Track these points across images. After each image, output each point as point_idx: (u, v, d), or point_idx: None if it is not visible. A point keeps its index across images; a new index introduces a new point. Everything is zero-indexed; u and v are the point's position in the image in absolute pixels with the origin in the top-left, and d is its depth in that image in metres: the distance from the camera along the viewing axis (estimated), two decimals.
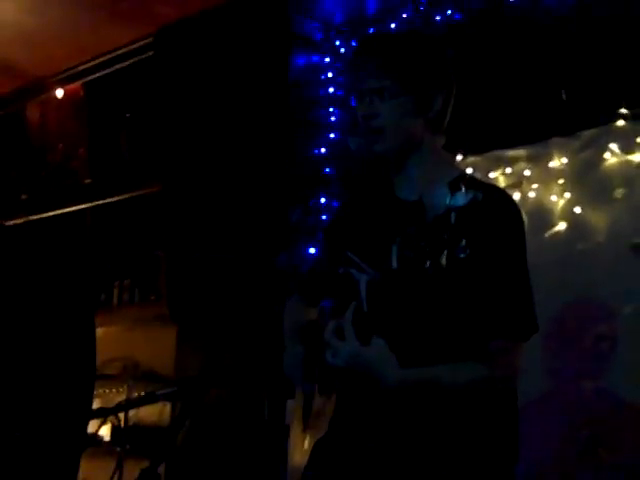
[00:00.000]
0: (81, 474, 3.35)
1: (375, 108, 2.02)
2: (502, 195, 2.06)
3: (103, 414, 2.95)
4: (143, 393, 3.80)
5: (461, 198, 1.97)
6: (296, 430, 2.15)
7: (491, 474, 1.92)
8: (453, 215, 1.95)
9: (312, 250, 4.00)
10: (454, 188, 1.99)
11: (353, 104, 2.09)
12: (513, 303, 1.93)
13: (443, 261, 1.90)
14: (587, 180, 3.66)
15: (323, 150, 4.49)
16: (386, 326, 1.93)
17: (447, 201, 1.97)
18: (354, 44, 4.53)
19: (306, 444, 2.06)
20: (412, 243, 1.96)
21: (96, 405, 4.03)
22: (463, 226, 1.93)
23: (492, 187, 2.10)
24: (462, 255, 1.90)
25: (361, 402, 1.97)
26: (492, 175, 3.90)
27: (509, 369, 1.93)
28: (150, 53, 5.44)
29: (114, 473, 2.84)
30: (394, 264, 1.99)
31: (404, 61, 2.02)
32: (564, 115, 3.71)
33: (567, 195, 3.70)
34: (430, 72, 2.04)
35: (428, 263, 1.92)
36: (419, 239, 1.95)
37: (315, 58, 4.76)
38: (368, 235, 2.09)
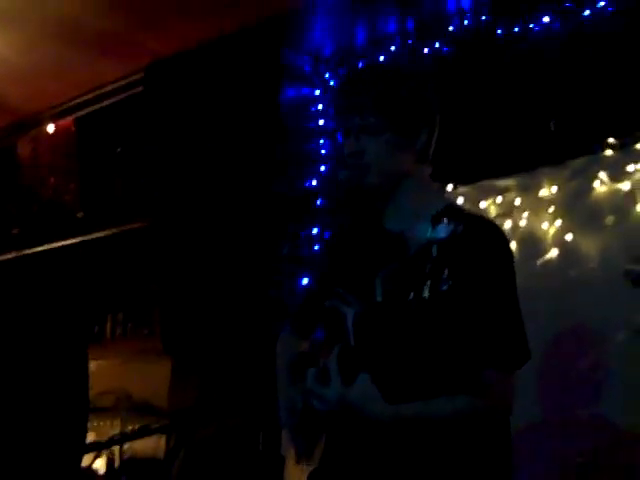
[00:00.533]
0: None
1: (361, 145, 2.01)
2: (487, 225, 2.05)
3: (97, 448, 2.94)
4: (137, 426, 3.79)
5: (442, 230, 1.99)
6: (290, 461, 2.14)
7: None
8: (434, 247, 1.96)
9: (305, 281, 4.00)
10: (436, 221, 2.01)
11: (340, 140, 2.11)
12: (504, 332, 1.92)
13: (426, 293, 1.91)
14: (577, 208, 3.68)
15: (314, 182, 4.51)
16: (373, 361, 1.93)
17: (428, 234, 1.99)
18: (343, 77, 4.56)
19: (301, 475, 2.05)
20: (395, 276, 1.98)
21: (90, 438, 4.02)
22: (445, 258, 1.94)
23: (477, 218, 2.09)
24: (444, 287, 1.91)
25: (351, 439, 1.95)
26: (483, 205, 3.92)
27: (502, 399, 1.92)
28: (140, 88, 5.47)
29: None
30: (378, 297, 1.99)
31: (388, 98, 2.01)
32: (553, 145, 3.74)
33: (558, 223, 3.71)
34: (415, 106, 2.04)
35: (411, 295, 1.93)
36: (401, 272, 1.97)
37: (305, 90, 4.78)
38: (354, 268, 2.08)
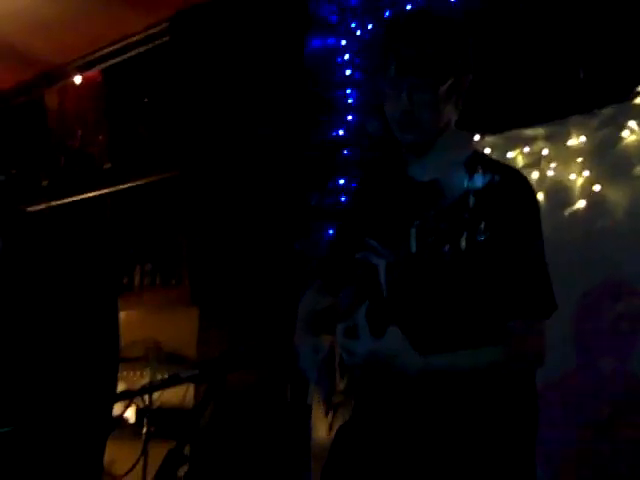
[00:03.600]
0: (107, 457, 3.40)
1: (414, 103, 1.98)
2: (517, 176, 2.05)
3: (128, 396, 2.99)
4: (166, 375, 3.83)
5: (479, 180, 1.98)
6: (317, 413, 2.16)
7: (513, 453, 1.92)
8: (472, 198, 1.96)
9: (331, 232, 4.01)
10: (471, 170, 2.00)
11: (387, 94, 2.04)
12: (531, 282, 1.93)
13: (462, 244, 1.91)
14: (606, 158, 3.64)
15: (341, 132, 4.49)
16: (405, 312, 1.93)
17: (465, 183, 1.98)
18: (370, 27, 4.51)
19: (328, 427, 2.07)
20: (431, 226, 1.97)
21: (120, 387, 4.07)
22: (482, 208, 1.93)
23: (507, 167, 2.09)
24: (481, 238, 1.90)
25: (382, 391, 1.97)
26: (510, 155, 3.89)
27: (532, 349, 1.93)
28: (166, 38, 5.45)
29: (141, 455, 2.88)
30: (413, 248, 1.98)
31: (438, 49, 1.97)
32: (582, 93, 3.69)
33: (586, 173, 3.68)
34: (462, 58, 2.01)
35: (447, 247, 1.93)
36: (438, 222, 1.97)
37: (331, 41, 4.74)
38: (385, 219, 2.07)
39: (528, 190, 2.02)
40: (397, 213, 2.05)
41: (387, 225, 2.06)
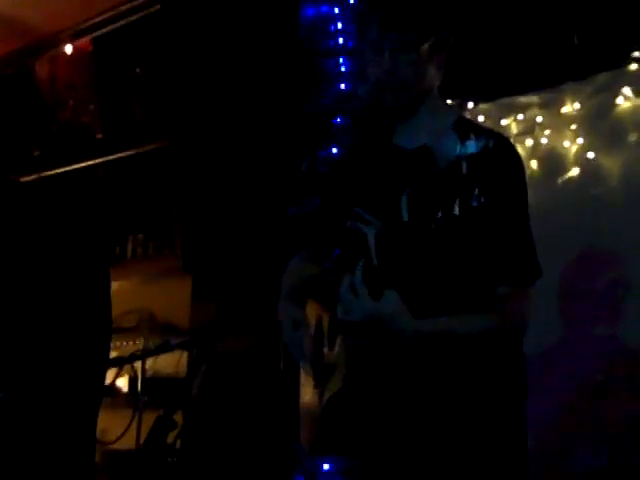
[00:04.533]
0: (101, 425, 3.40)
1: (396, 63, 1.97)
2: (505, 142, 2.05)
3: (119, 363, 2.99)
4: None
5: (471, 146, 1.96)
6: (306, 380, 2.15)
7: (504, 418, 1.93)
8: (464, 164, 1.94)
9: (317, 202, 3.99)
10: (462, 135, 1.98)
11: (368, 57, 2.04)
12: (515, 249, 1.93)
13: (456, 210, 1.90)
14: (600, 125, 3.63)
15: (333, 100, 4.46)
16: (397, 279, 1.92)
17: (457, 149, 1.96)
18: None
19: (318, 397, 2.07)
20: (423, 194, 1.96)
21: (113, 357, 4.07)
22: (475, 174, 1.92)
23: (494, 133, 2.08)
24: (475, 204, 1.90)
25: (376, 355, 1.97)
26: (504, 122, 3.88)
27: (517, 315, 1.93)
28: (157, 7, 5.40)
29: (131, 421, 2.89)
30: (405, 216, 1.97)
31: (419, 5, 1.97)
32: (576, 60, 3.67)
33: (580, 141, 3.67)
34: (445, 17, 2.00)
35: (440, 213, 1.91)
36: (431, 189, 1.95)
37: (324, 8, 4.70)
38: (373, 188, 2.06)
39: (516, 156, 2.02)
40: (385, 182, 2.04)
41: (376, 194, 2.05)
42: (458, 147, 1.97)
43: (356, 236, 2.02)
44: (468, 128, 2.01)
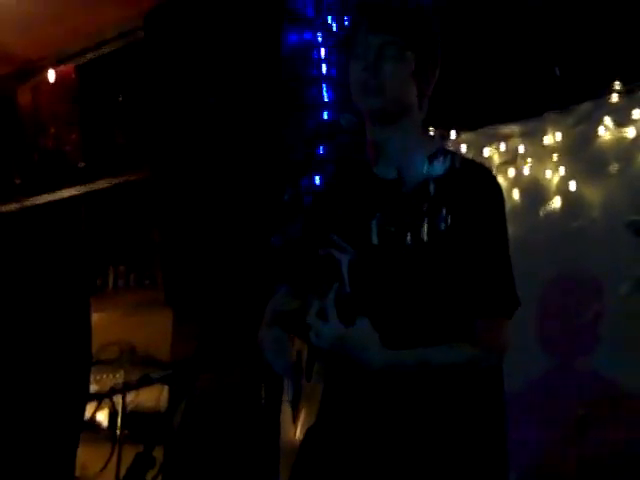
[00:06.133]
0: (80, 460, 3.37)
1: (379, 64, 1.96)
2: (481, 167, 2.04)
3: (98, 398, 2.96)
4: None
5: (439, 167, 1.95)
6: (286, 415, 2.14)
7: (481, 453, 1.89)
8: (432, 185, 1.93)
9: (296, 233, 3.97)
10: (432, 159, 1.98)
11: (353, 57, 2.02)
12: (494, 279, 1.91)
13: (424, 233, 1.88)
14: (582, 155, 3.65)
15: (316, 129, 4.45)
16: (370, 306, 1.89)
17: (425, 171, 1.95)
18: (347, 22, 4.48)
19: (298, 432, 2.04)
20: (392, 217, 1.95)
21: (93, 390, 4.03)
22: (442, 196, 1.91)
23: (471, 161, 2.07)
24: (443, 226, 1.88)
25: (347, 386, 1.94)
26: (486, 152, 3.89)
27: (494, 347, 1.90)
28: (140, 35, 5.40)
29: (110, 456, 2.86)
30: (374, 240, 1.95)
31: (408, 14, 1.97)
32: (558, 90, 3.69)
33: (562, 171, 3.69)
34: (429, 38, 2.00)
35: (409, 236, 1.90)
36: (399, 212, 1.94)
37: (308, 35, 4.71)
38: (348, 214, 2.05)
39: (493, 183, 1.99)
40: (359, 208, 2.03)
41: (349, 220, 2.03)
42: (425, 168, 1.96)
43: (330, 263, 2.01)
44: (442, 154, 2.00)
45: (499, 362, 1.92)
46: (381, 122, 2.02)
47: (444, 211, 1.88)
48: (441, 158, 1.98)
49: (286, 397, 2.11)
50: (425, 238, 1.87)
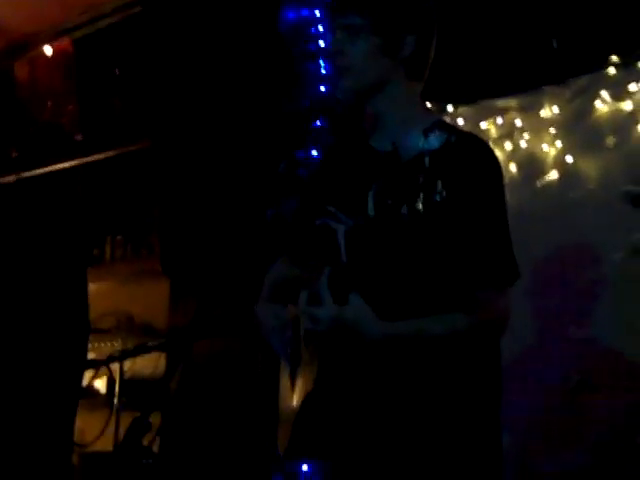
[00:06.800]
0: (79, 427, 3.39)
1: (344, 46, 1.97)
2: (477, 140, 2.03)
3: (95, 365, 2.98)
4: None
5: (435, 141, 1.96)
6: (285, 383, 2.14)
7: (477, 422, 1.91)
8: (427, 158, 1.94)
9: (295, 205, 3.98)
10: (428, 132, 1.99)
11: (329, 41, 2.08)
12: (493, 251, 1.91)
13: (420, 205, 1.89)
14: (578, 129, 3.65)
15: (313, 102, 4.45)
16: (365, 278, 1.90)
17: (420, 144, 1.96)
18: None
19: (295, 399, 2.06)
20: (387, 188, 1.95)
21: (91, 359, 4.05)
22: (438, 169, 1.91)
23: (468, 133, 2.07)
24: (438, 198, 1.89)
25: (345, 358, 1.94)
26: (483, 125, 3.89)
27: (495, 317, 1.91)
28: (137, 9, 5.39)
29: (108, 422, 2.89)
30: (371, 211, 1.96)
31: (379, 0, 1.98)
32: (555, 63, 3.68)
33: (558, 144, 3.69)
34: (404, 13, 1.98)
35: (405, 208, 1.91)
36: (394, 184, 1.95)
37: (305, 12, 4.70)
38: (344, 186, 2.06)
39: (489, 155, 1.99)
40: (356, 180, 2.03)
41: (346, 191, 2.04)
42: (421, 141, 1.97)
43: (327, 233, 2.02)
44: (442, 128, 2.01)
45: (500, 333, 1.93)
46: (356, 99, 2.04)
47: (440, 183, 1.89)
48: (437, 131, 1.98)
49: (284, 365, 2.12)
50: (421, 209, 1.88)
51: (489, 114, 3.90)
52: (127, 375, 4.55)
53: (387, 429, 1.88)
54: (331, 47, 2.04)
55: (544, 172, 3.70)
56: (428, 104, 3.81)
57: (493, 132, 3.88)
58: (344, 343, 1.90)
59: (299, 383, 2.06)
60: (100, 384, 4.71)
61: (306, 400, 2.01)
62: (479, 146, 2.01)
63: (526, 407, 3.37)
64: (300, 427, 2.01)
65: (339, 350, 1.95)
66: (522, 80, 3.76)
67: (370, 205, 1.97)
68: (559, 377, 3.39)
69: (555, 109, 3.72)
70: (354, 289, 1.85)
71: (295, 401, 2.04)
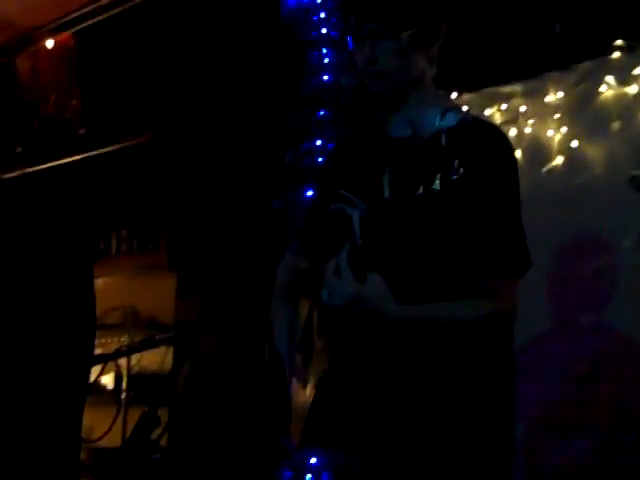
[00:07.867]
0: (86, 423, 3.39)
1: (376, 51, 1.96)
2: (492, 125, 2.05)
3: (103, 360, 2.97)
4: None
5: (451, 119, 1.95)
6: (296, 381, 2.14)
7: (489, 409, 1.90)
8: (444, 136, 1.93)
9: (309, 193, 3.97)
10: (444, 114, 1.98)
11: (350, 47, 2.04)
12: (506, 239, 1.91)
13: (436, 185, 1.88)
14: (583, 114, 3.63)
15: (316, 91, 4.44)
16: (382, 260, 1.89)
17: (437, 123, 1.95)
18: None
19: (308, 388, 2.05)
20: (403, 170, 1.95)
21: (98, 353, 4.05)
22: (455, 147, 1.91)
23: (481, 119, 2.08)
24: (455, 177, 1.88)
25: (359, 340, 1.94)
26: (488, 112, 3.88)
27: (507, 306, 1.91)
28: (139, 0, 5.37)
29: (115, 418, 2.87)
30: (386, 194, 1.96)
31: (397, 5, 1.95)
32: (559, 49, 3.66)
33: (564, 129, 3.67)
34: (426, 5, 1.99)
35: (421, 188, 1.90)
36: (410, 165, 1.94)
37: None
38: (360, 171, 2.06)
39: (505, 140, 2.00)
40: (371, 165, 2.03)
41: (361, 176, 2.04)
42: (437, 121, 1.96)
43: (342, 218, 2.01)
44: (457, 112, 2.01)
45: (510, 320, 1.93)
46: (390, 102, 2.04)
47: (456, 162, 1.88)
48: (452, 114, 1.98)
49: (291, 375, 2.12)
50: (437, 189, 1.87)
51: (494, 100, 3.89)
52: (134, 370, 4.56)
53: (400, 415, 1.88)
54: (364, 55, 1.99)
55: (549, 158, 3.69)
56: None
57: (497, 118, 3.86)
58: (359, 324, 1.90)
59: (311, 372, 2.05)
60: (107, 379, 4.72)
61: (320, 387, 2.01)
62: (495, 131, 2.01)
63: (538, 395, 3.36)
64: (315, 414, 2.00)
65: (353, 335, 1.95)
66: (526, 66, 3.74)
67: (385, 187, 1.96)
68: (572, 364, 3.38)
69: (560, 94, 3.70)
70: (374, 268, 1.84)
71: (307, 393, 2.04)
